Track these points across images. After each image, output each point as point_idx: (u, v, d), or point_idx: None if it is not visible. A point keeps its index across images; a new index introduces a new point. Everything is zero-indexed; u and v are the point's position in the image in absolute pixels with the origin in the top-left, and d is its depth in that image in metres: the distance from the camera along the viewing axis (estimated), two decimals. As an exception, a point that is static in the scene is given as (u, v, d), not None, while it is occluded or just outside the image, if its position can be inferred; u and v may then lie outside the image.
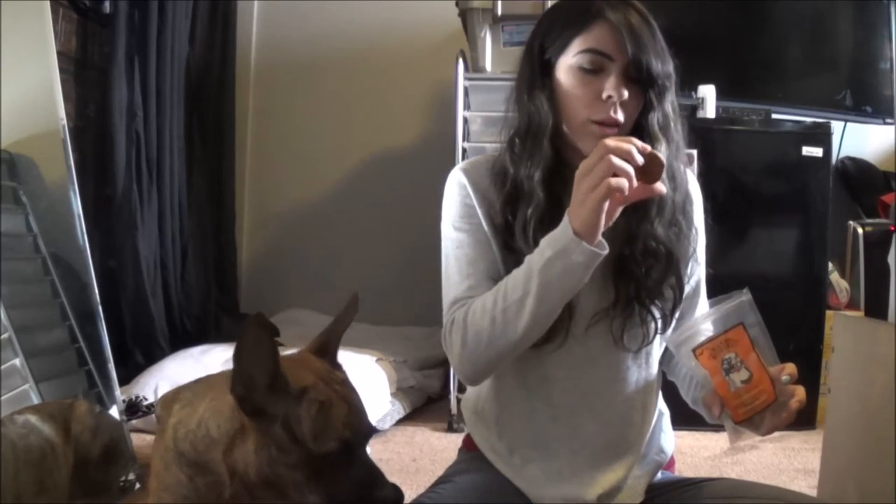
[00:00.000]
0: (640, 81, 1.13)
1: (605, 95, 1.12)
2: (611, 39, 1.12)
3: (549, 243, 1.07)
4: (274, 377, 1.01)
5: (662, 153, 1.11)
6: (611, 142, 1.01)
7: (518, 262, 1.14)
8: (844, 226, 2.98)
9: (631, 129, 1.16)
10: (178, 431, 1.14)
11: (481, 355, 1.13)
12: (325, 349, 1.16)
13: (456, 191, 1.23)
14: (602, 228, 1.04)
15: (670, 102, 1.18)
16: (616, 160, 1.00)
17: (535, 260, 1.08)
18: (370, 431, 1.09)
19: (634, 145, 1.02)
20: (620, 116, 1.13)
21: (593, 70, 1.13)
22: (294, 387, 1.02)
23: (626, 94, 1.11)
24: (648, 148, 1.03)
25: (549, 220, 1.12)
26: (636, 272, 1.16)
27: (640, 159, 1.01)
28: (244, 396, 1.01)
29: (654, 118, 1.16)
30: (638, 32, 1.11)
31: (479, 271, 1.18)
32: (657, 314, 1.18)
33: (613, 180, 1.00)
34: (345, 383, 1.10)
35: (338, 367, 1.16)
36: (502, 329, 1.09)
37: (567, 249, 1.04)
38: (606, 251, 1.05)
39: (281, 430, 1.01)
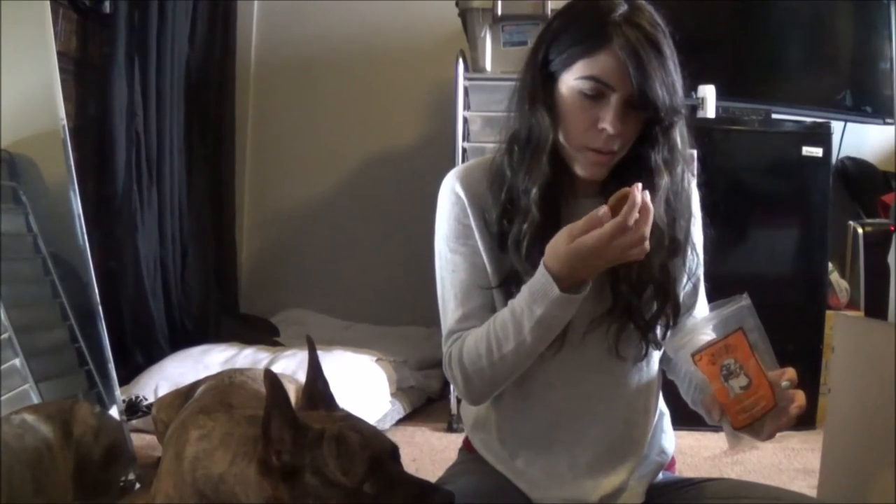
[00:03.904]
0: (644, 112, 1.10)
1: (601, 126, 1.09)
2: (615, 70, 1.07)
3: (538, 301, 1.08)
4: (294, 426, 1.03)
5: (663, 189, 1.13)
6: (626, 239, 1.01)
7: (509, 267, 1.15)
8: (844, 226, 2.98)
9: (631, 155, 1.14)
10: (196, 469, 1.15)
11: (486, 386, 1.18)
12: (315, 398, 1.17)
13: (450, 204, 1.22)
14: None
15: (678, 130, 1.15)
16: (634, 252, 1.03)
17: (525, 317, 1.09)
18: (392, 447, 1.09)
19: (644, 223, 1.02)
20: (616, 146, 1.11)
21: (594, 97, 1.09)
22: (313, 430, 1.03)
23: (621, 127, 1.09)
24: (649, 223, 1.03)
25: (544, 237, 1.12)
26: (631, 281, 1.16)
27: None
28: (279, 463, 1.03)
29: (659, 153, 1.14)
30: (645, 66, 1.06)
31: (474, 299, 1.20)
32: (652, 324, 1.17)
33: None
34: (348, 417, 1.12)
35: (335, 407, 1.17)
36: (502, 369, 1.14)
37: (549, 294, 1.07)
38: (588, 288, 1.08)
39: (314, 478, 1.02)
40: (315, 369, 1.19)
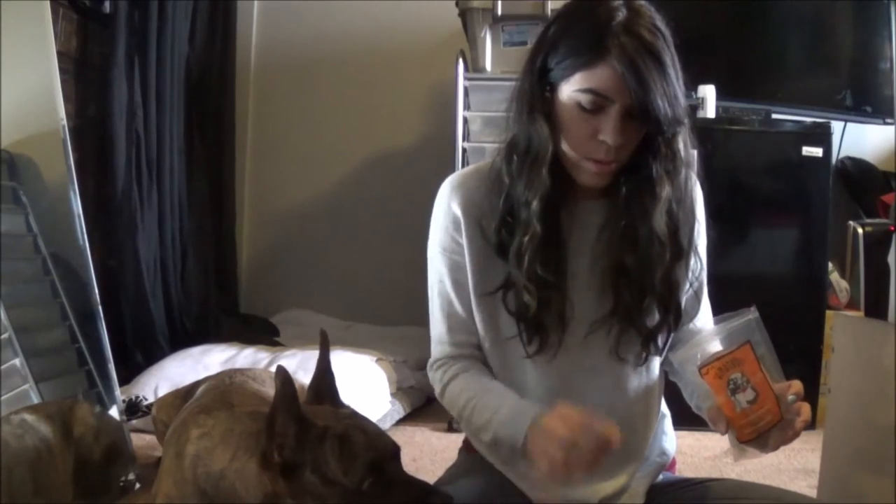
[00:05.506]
0: (644, 123, 1.09)
1: (600, 138, 1.08)
2: (614, 83, 1.04)
3: (511, 423, 1.11)
4: (299, 421, 1.03)
5: (664, 199, 1.12)
6: (581, 439, 1.00)
7: (504, 275, 1.15)
8: (844, 226, 2.98)
9: (632, 161, 1.13)
10: (197, 467, 1.15)
11: (454, 417, 1.25)
12: (322, 394, 1.17)
13: (443, 215, 1.21)
14: None
15: (681, 138, 1.13)
16: (578, 464, 1.01)
17: (496, 420, 1.13)
18: (395, 448, 1.09)
19: (604, 444, 1.01)
20: (616, 157, 1.10)
21: (593, 109, 1.07)
22: (318, 427, 1.03)
23: (621, 139, 1.07)
24: (616, 441, 1.01)
25: (544, 249, 1.12)
26: (632, 290, 1.15)
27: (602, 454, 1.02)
28: (280, 458, 1.03)
29: (661, 163, 1.13)
30: (645, 78, 1.03)
31: (456, 313, 1.22)
32: (654, 334, 1.17)
33: (573, 476, 1.02)
34: (353, 416, 1.12)
35: (340, 404, 1.17)
36: (469, 431, 1.23)
37: (516, 446, 1.10)
38: None
39: (313, 476, 1.02)
40: (324, 365, 1.19)
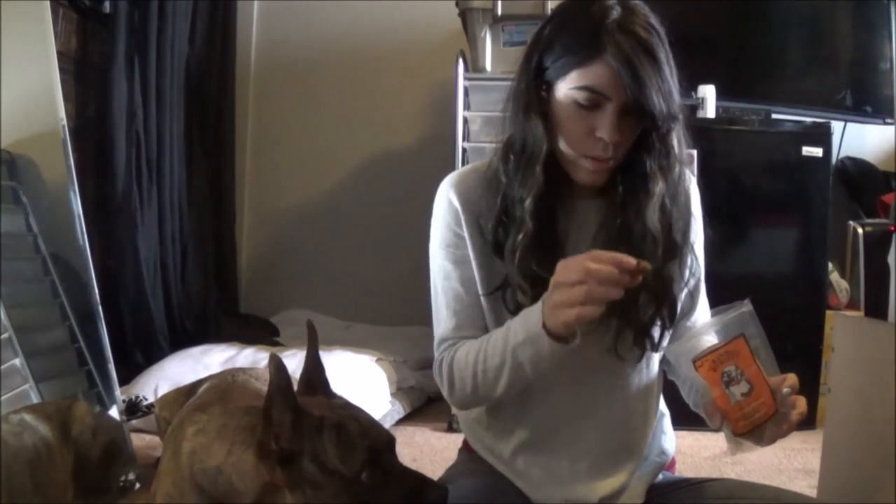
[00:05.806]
0: (640, 120, 1.09)
1: (598, 135, 1.09)
2: (610, 79, 1.06)
3: (523, 324, 1.07)
4: (295, 411, 1.03)
5: (658, 195, 1.12)
6: (593, 264, 0.97)
7: (503, 275, 1.15)
8: (844, 226, 2.98)
9: (627, 159, 1.13)
10: (194, 463, 1.15)
11: (468, 398, 1.19)
12: (313, 385, 1.17)
13: (444, 212, 1.21)
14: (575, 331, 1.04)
15: (675, 135, 1.14)
16: (597, 290, 0.98)
17: (510, 334, 1.09)
18: (390, 438, 1.09)
19: (619, 263, 0.97)
20: (613, 154, 1.10)
21: (589, 106, 1.08)
22: (313, 416, 1.03)
23: (618, 136, 1.08)
24: (633, 262, 0.99)
25: (539, 247, 1.12)
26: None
27: (623, 282, 0.98)
28: (278, 447, 1.02)
29: (655, 159, 1.13)
30: (640, 74, 1.04)
31: (466, 309, 1.20)
32: (648, 327, 1.17)
33: (590, 309, 0.98)
34: (347, 406, 1.12)
35: (332, 395, 1.17)
36: (483, 386, 1.14)
37: (537, 340, 1.05)
38: (577, 342, 1.05)
39: (312, 466, 1.02)
40: (314, 355, 1.19)
